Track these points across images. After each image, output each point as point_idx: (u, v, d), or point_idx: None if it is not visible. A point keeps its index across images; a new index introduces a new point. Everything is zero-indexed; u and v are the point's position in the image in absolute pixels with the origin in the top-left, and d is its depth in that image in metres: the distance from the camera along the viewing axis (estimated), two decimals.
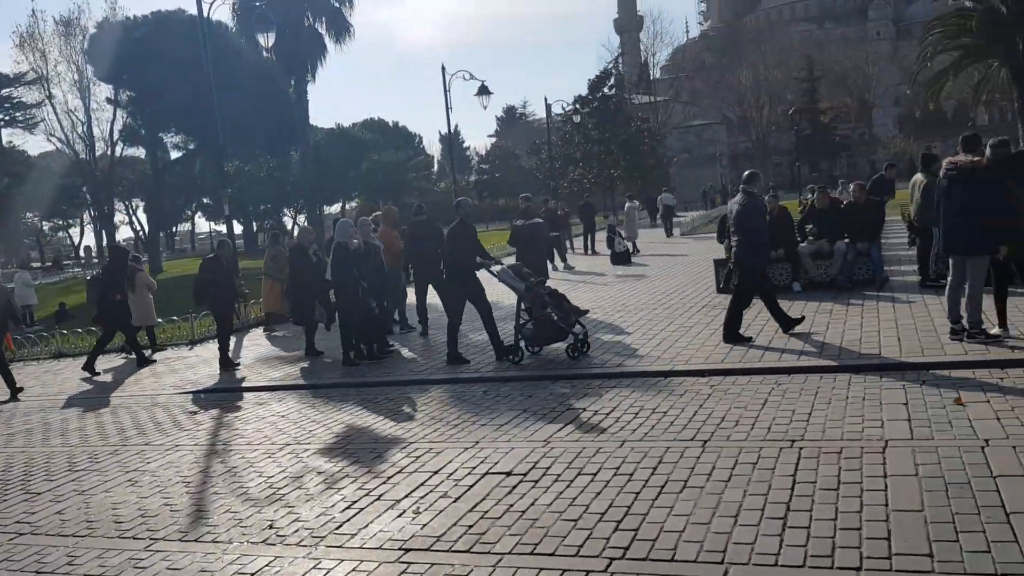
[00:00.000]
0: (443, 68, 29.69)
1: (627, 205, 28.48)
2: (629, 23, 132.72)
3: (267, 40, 17.36)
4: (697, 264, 18.84)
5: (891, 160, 19.16)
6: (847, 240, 12.95)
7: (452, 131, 34.91)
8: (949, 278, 8.66)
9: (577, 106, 61.59)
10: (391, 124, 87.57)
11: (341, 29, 53.05)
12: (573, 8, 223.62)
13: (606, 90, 62.92)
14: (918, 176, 12.28)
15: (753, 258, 9.77)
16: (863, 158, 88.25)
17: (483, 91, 29.95)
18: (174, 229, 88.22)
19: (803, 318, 9.81)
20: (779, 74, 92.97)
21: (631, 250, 23.17)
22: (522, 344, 9.94)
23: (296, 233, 13.13)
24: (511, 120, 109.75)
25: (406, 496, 5.73)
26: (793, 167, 77.12)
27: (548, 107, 49.57)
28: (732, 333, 9.58)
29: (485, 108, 30.91)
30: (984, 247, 8.13)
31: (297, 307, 12.19)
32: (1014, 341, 8.04)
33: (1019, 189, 8.30)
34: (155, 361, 13.47)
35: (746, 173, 10.24)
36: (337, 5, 52.63)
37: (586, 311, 10.27)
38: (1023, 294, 8.41)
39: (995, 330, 8.31)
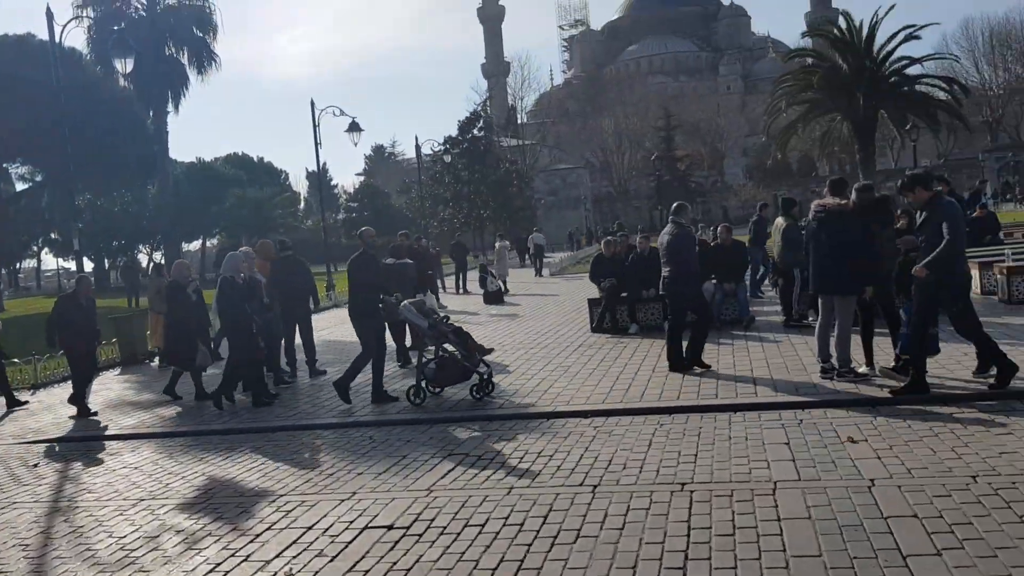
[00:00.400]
0: (312, 103, 29.01)
1: (497, 244, 28.63)
2: (496, 68, 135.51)
3: (125, 66, 16.41)
4: (569, 304, 18.95)
5: (763, 201, 20.04)
6: (714, 281, 13.26)
7: (320, 168, 34.18)
8: (819, 318, 8.90)
9: (447, 146, 61.87)
10: (256, 160, 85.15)
11: (205, 60, 51.62)
12: (442, 53, 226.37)
13: (475, 132, 63.58)
14: (779, 220, 12.78)
15: (684, 287, 9.89)
16: (716, 204, 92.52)
17: (354, 127, 29.43)
18: (18, 266, 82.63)
19: (690, 368, 9.82)
20: (638, 123, 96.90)
21: (503, 289, 23.19)
22: (423, 384, 9.46)
23: (171, 269, 12.16)
24: (380, 159, 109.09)
25: (277, 556, 5.25)
26: (652, 211, 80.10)
27: (418, 146, 49.34)
28: (696, 358, 9.77)
29: (356, 144, 30.38)
30: (852, 288, 8.40)
31: (173, 347, 11.34)
32: (881, 380, 8.29)
33: (883, 232, 8.68)
34: None
35: (675, 205, 10.37)
36: (200, 35, 51.21)
37: (491, 350, 10.01)
38: (888, 334, 8.69)
39: (863, 369, 8.56)
